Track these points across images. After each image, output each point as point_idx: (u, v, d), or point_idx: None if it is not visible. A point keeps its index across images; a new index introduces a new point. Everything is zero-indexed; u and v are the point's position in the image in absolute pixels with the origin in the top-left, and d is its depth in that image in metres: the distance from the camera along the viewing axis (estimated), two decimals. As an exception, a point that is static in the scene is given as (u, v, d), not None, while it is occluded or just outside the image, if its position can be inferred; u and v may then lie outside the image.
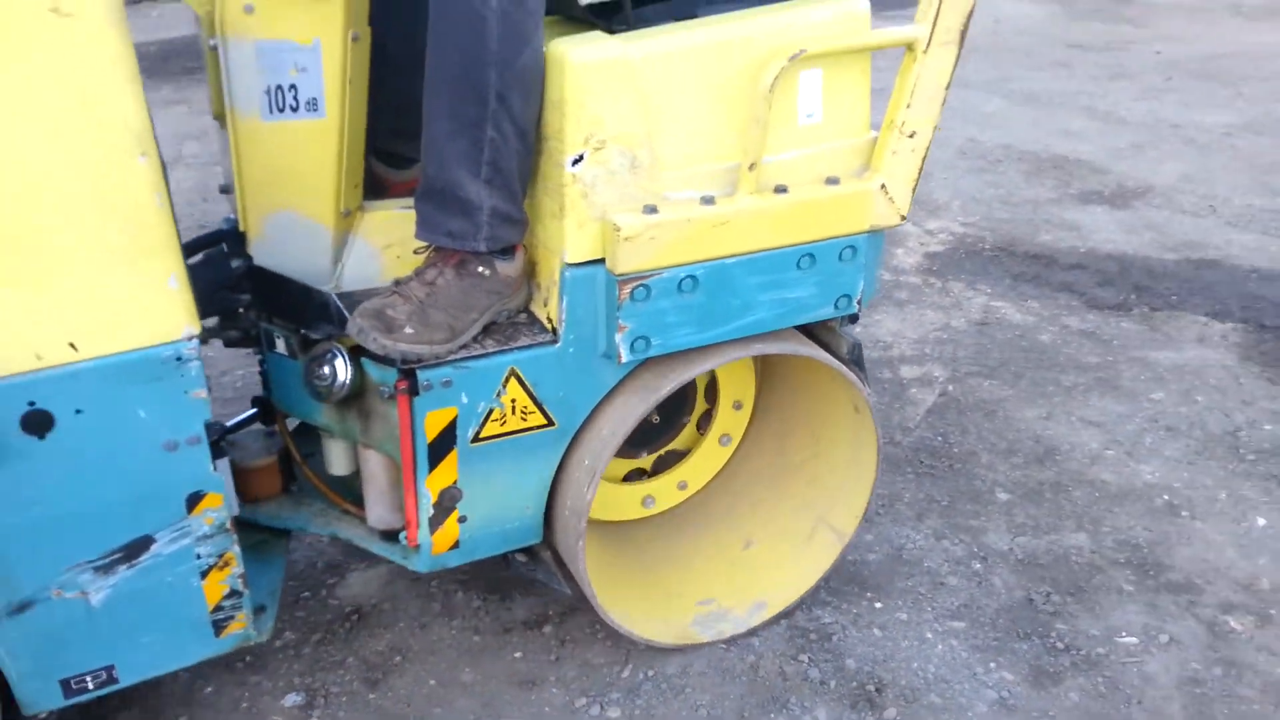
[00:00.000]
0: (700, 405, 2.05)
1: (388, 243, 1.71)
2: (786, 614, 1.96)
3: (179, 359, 1.31)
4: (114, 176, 1.22)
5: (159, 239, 1.27)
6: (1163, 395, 2.73)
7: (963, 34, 1.54)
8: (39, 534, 1.31)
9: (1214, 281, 3.40)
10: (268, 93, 1.51)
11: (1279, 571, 2.10)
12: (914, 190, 1.64)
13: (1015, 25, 7.27)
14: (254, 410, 1.87)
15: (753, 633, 1.93)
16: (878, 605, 2.01)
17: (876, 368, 2.87)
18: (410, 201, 1.74)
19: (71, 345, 1.25)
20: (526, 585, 2.05)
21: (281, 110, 1.53)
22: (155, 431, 1.33)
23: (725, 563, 2.00)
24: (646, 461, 2.05)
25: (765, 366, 2.06)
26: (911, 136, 1.57)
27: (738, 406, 2.07)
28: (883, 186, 1.60)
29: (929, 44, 1.53)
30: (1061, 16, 7.66)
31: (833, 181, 1.60)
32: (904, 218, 1.64)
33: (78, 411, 1.27)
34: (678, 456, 2.08)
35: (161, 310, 1.29)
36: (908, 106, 1.56)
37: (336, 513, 1.78)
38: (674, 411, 2.03)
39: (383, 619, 1.98)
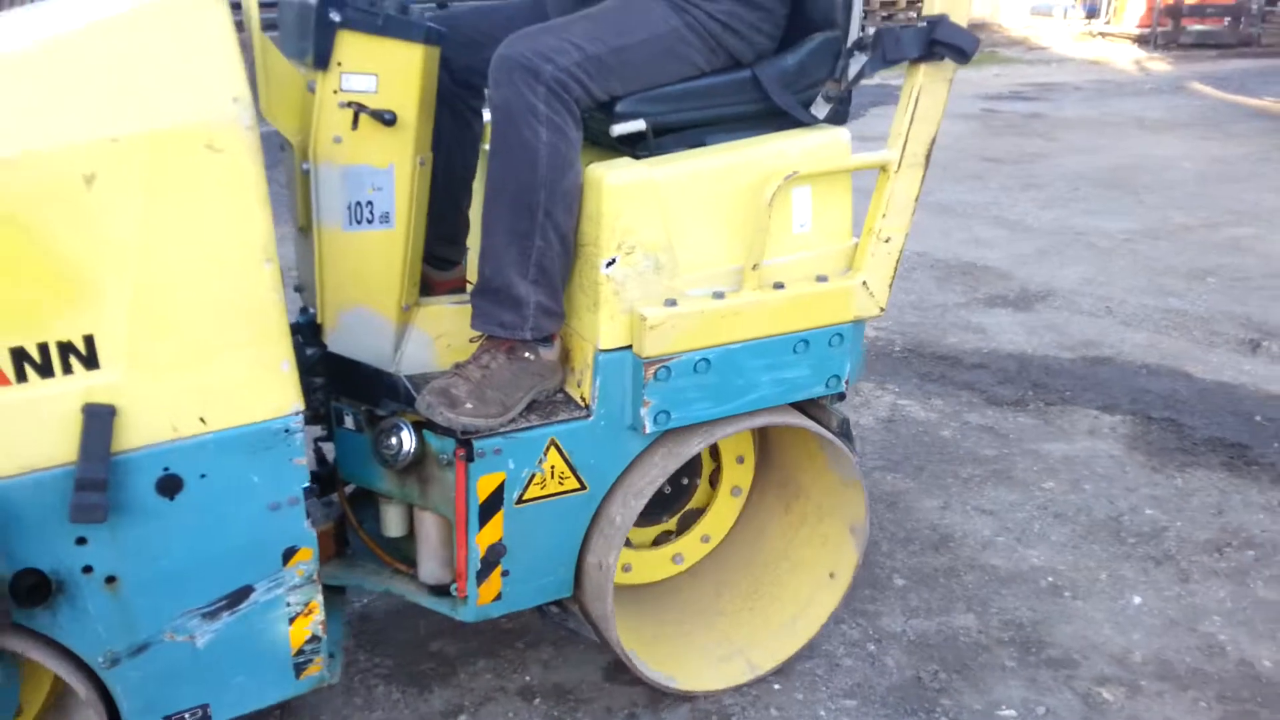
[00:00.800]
0: (709, 464, 2.31)
1: (439, 333, 1.97)
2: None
3: (287, 431, 1.55)
4: (245, 279, 1.48)
5: (276, 330, 1.52)
6: (1053, 484, 2.95)
7: (927, 157, 1.87)
8: (161, 583, 1.53)
9: (1106, 378, 3.67)
10: (349, 208, 1.79)
11: (1151, 645, 2.30)
12: (890, 286, 1.95)
13: (938, 142, 7.86)
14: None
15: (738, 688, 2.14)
16: (776, 686, 2.16)
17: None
18: (454, 297, 2.03)
19: (201, 419, 1.48)
20: (444, 677, 2.16)
21: (359, 222, 1.80)
22: (263, 493, 1.56)
23: (746, 610, 2.24)
24: (671, 523, 2.28)
25: (764, 434, 2.33)
26: (887, 241, 1.89)
27: (740, 460, 2.32)
28: (864, 283, 1.90)
29: (899, 166, 1.85)
30: (981, 132, 8.23)
31: (822, 279, 1.90)
32: (883, 309, 1.94)
33: (202, 476, 1.50)
34: (698, 514, 2.32)
35: (275, 390, 1.54)
36: (883, 216, 1.88)
37: (389, 572, 2.00)
38: (686, 475, 2.28)
39: (308, 711, 2.07)
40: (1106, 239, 5.30)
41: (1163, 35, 12.91)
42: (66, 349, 1.39)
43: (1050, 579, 2.53)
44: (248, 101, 1.44)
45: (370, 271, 1.84)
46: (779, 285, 1.87)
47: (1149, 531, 2.74)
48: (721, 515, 2.35)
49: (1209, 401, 3.49)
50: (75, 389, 1.40)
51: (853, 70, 1.84)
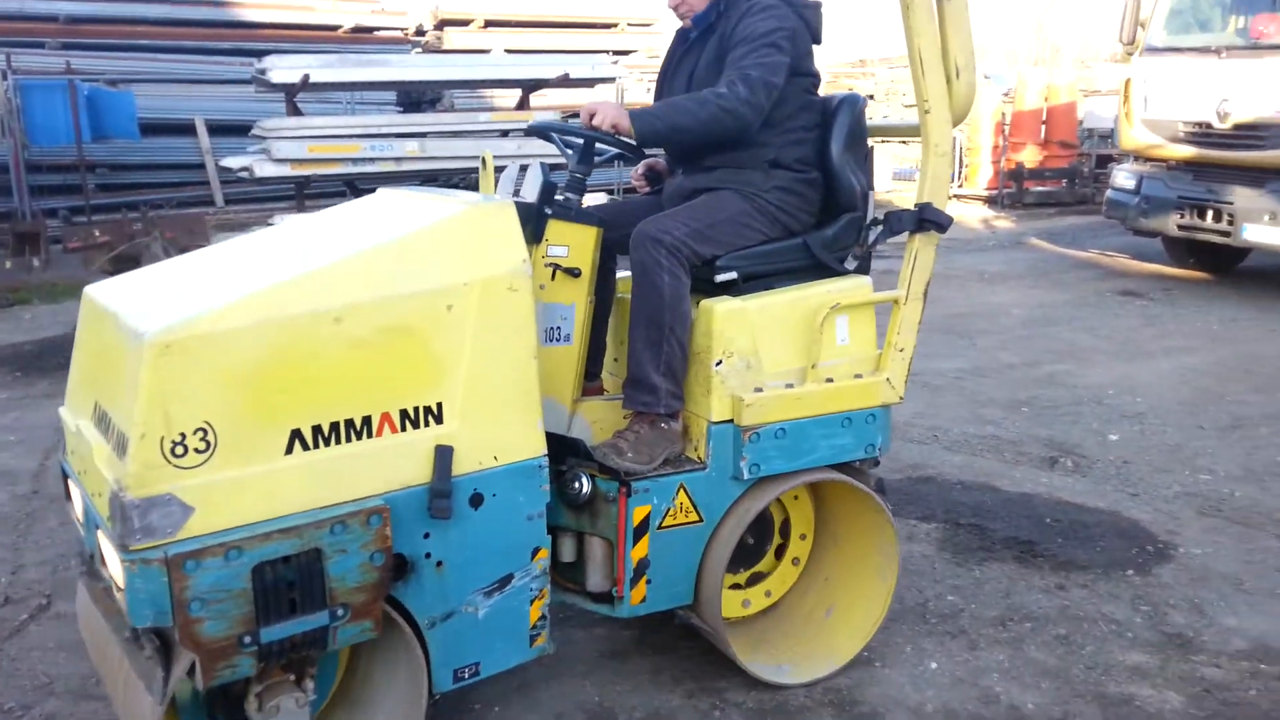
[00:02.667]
0: (777, 539, 3.13)
1: (593, 419, 2.87)
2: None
3: (540, 467, 2.41)
4: (522, 369, 2.36)
5: (535, 402, 2.39)
6: None
7: (925, 294, 2.88)
8: (465, 568, 2.33)
9: (927, 493, 4.28)
10: (545, 331, 2.69)
11: (941, 698, 2.86)
12: (905, 382, 2.91)
13: None
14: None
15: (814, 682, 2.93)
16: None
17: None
18: (600, 397, 2.92)
19: (495, 457, 2.33)
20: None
21: (552, 341, 2.71)
22: (525, 508, 2.39)
23: (814, 625, 3.07)
24: (742, 578, 3.08)
25: (820, 502, 3.12)
26: (901, 351, 2.87)
27: (803, 537, 3.16)
28: (887, 379, 2.87)
29: (906, 300, 2.86)
30: None
31: (858, 376, 2.86)
32: (901, 398, 2.90)
33: (494, 495, 2.33)
34: (762, 576, 3.14)
35: (534, 440, 2.40)
36: (898, 334, 2.87)
37: (559, 589, 2.80)
38: (761, 539, 3.10)
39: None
40: (940, 378, 5.99)
41: (1008, 196, 14.38)
42: (428, 411, 2.24)
43: (865, 654, 3.06)
44: (528, 261, 2.37)
45: (557, 374, 2.73)
46: (829, 380, 2.82)
47: (949, 613, 3.34)
48: (782, 580, 3.16)
49: (1010, 509, 4.14)
50: (431, 435, 2.24)
51: (870, 239, 2.87)
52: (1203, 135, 8.32)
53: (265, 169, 9.52)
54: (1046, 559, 3.73)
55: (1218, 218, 8.16)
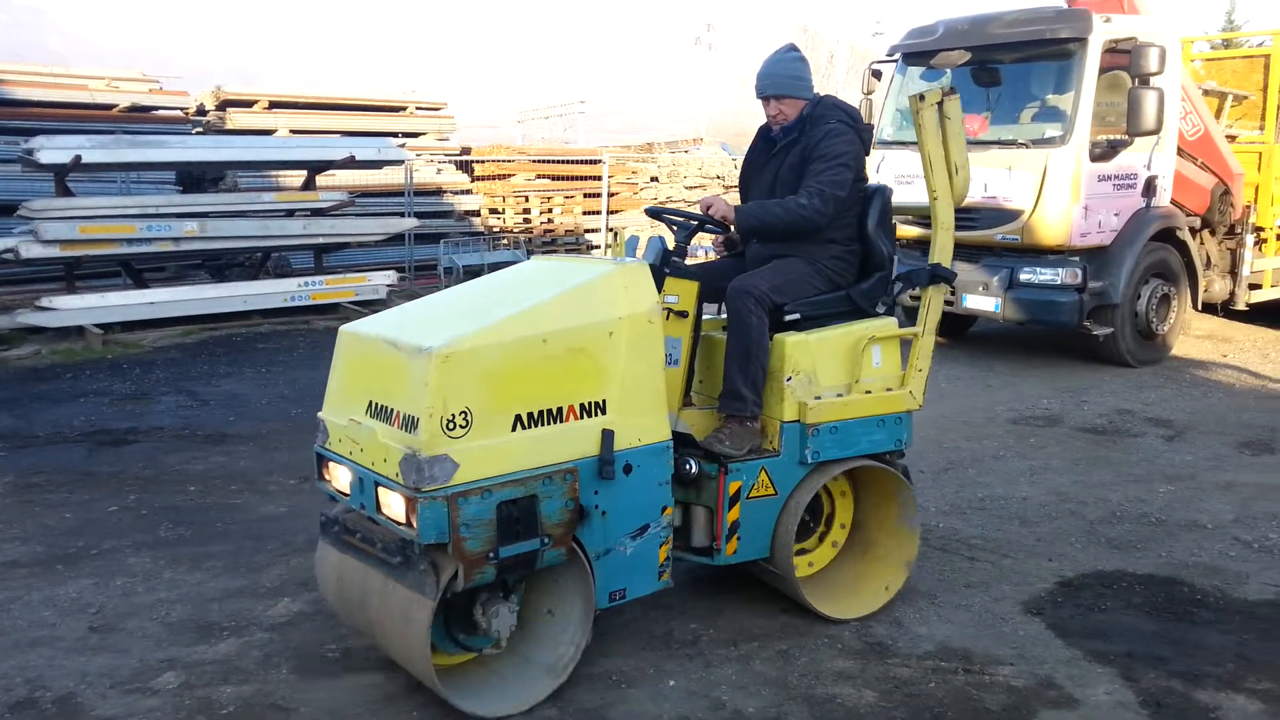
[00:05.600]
0: (821, 528, 4.11)
1: (691, 423, 3.87)
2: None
3: (667, 448, 3.41)
4: (657, 374, 3.38)
5: (664, 401, 3.41)
6: (620, 620, 3.82)
7: (935, 329, 3.91)
8: (619, 518, 3.32)
9: None
10: (664, 357, 3.72)
11: (677, 709, 3.26)
12: (924, 394, 3.92)
13: None
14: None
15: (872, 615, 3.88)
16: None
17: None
18: (693, 408, 3.93)
19: (639, 439, 3.34)
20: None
21: (669, 364, 3.72)
22: (658, 476, 3.39)
23: (862, 568, 4.04)
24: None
25: (859, 487, 4.12)
26: (920, 371, 3.90)
27: (843, 526, 4.15)
28: (910, 392, 3.89)
29: (923, 333, 3.89)
30: None
31: (889, 389, 3.88)
32: (920, 406, 3.91)
33: (638, 465, 3.34)
34: (805, 552, 4.09)
35: (664, 428, 3.41)
36: (917, 358, 3.90)
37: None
38: (813, 520, 4.08)
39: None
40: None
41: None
42: (597, 405, 3.25)
43: (615, 677, 3.48)
44: (659, 304, 3.40)
45: (668, 388, 3.75)
46: (868, 391, 3.84)
47: (689, 639, 3.76)
48: (824, 555, 4.12)
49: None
50: (599, 422, 3.25)
51: (895, 291, 3.92)
52: (927, 218, 9.14)
53: (32, 250, 9.19)
54: (767, 588, 4.07)
55: None
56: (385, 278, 11.73)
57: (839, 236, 3.91)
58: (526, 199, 16.41)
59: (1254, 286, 10.25)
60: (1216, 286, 9.83)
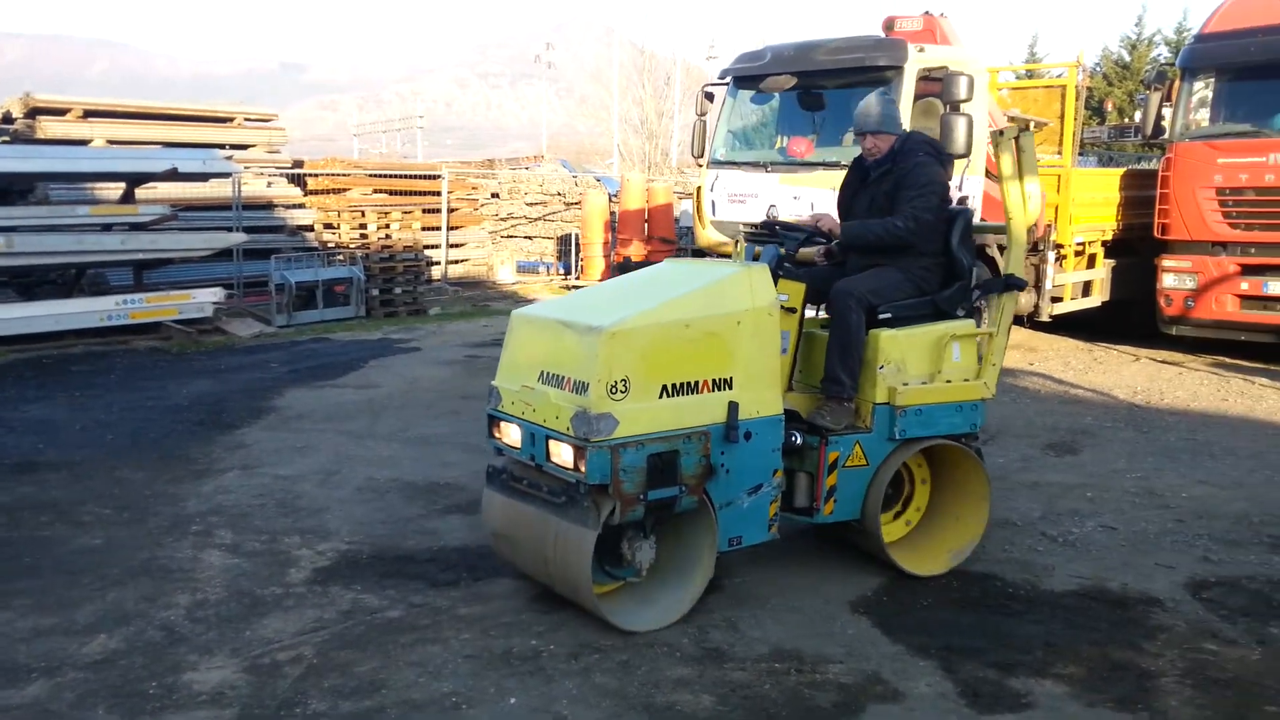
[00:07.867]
0: (897, 508, 4.77)
1: (794, 403, 4.55)
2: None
3: (780, 420, 4.11)
4: (773, 361, 4.07)
5: (779, 381, 4.11)
6: (468, 635, 3.88)
7: (1008, 330, 4.56)
8: (739, 475, 4.01)
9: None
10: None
11: None
12: (996, 384, 4.57)
13: (425, 385, 8.86)
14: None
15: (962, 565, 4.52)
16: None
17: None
18: (798, 391, 4.63)
19: (757, 411, 4.04)
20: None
21: (783, 352, 4.43)
22: (772, 442, 4.09)
23: (943, 530, 4.68)
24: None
25: (935, 466, 4.79)
26: (993, 365, 4.55)
27: (918, 509, 4.80)
28: (984, 383, 4.54)
29: (996, 333, 4.55)
30: (463, 375, 9.28)
31: (966, 380, 4.54)
32: (993, 394, 4.55)
33: (756, 433, 4.03)
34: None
35: (778, 403, 4.10)
36: (990, 354, 4.55)
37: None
38: (894, 496, 4.74)
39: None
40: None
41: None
42: (725, 381, 3.96)
43: (455, 699, 3.42)
44: (777, 300, 4.10)
45: (781, 373, 4.44)
46: (948, 380, 4.50)
47: (529, 655, 3.74)
48: (897, 531, 4.75)
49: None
50: (726, 395, 3.95)
51: (974, 297, 4.57)
52: (757, 236, 9.47)
53: None
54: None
55: None
56: (211, 295, 11.31)
57: (927, 250, 4.58)
58: (363, 214, 15.09)
59: (1056, 299, 10.84)
60: (1023, 300, 10.18)
